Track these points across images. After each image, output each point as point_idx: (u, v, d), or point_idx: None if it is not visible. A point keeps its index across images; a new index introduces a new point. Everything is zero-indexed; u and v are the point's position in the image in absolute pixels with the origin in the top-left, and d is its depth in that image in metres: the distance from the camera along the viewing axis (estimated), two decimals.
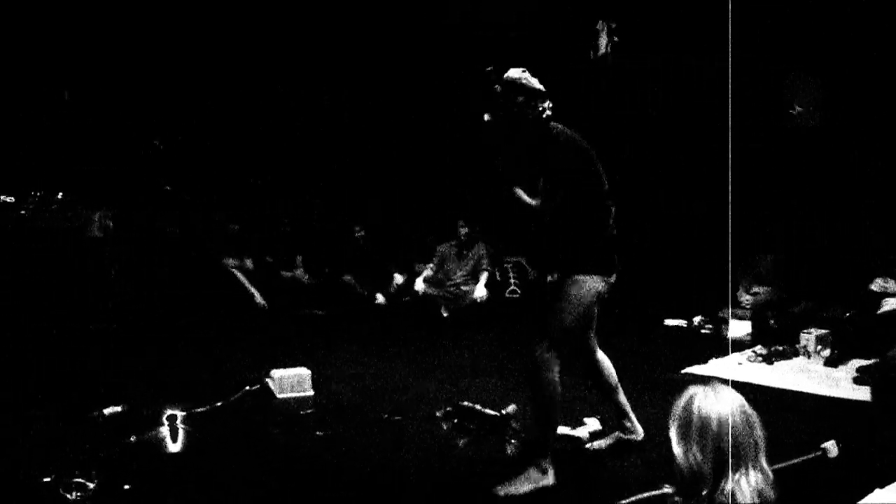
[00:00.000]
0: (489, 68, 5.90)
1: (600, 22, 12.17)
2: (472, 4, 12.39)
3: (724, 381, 3.50)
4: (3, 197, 10.37)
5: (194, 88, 12.97)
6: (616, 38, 12.09)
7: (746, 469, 3.23)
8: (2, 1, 11.92)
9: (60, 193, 10.64)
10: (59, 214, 10.39)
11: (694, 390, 3.36)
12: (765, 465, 3.29)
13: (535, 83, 5.87)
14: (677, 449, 3.29)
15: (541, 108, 5.84)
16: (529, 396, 5.97)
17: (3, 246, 9.93)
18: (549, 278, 6.01)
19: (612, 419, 6.76)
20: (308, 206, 13.94)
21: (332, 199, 14.11)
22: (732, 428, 3.23)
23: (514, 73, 5.88)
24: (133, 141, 12.53)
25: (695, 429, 3.25)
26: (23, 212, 10.21)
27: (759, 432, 3.30)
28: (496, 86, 5.85)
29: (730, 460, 3.22)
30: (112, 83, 12.66)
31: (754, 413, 3.35)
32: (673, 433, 3.32)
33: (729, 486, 3.21)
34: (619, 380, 6.56)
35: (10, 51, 12.10)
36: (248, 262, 12.22)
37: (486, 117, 5.90)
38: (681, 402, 3.36)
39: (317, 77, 13.69)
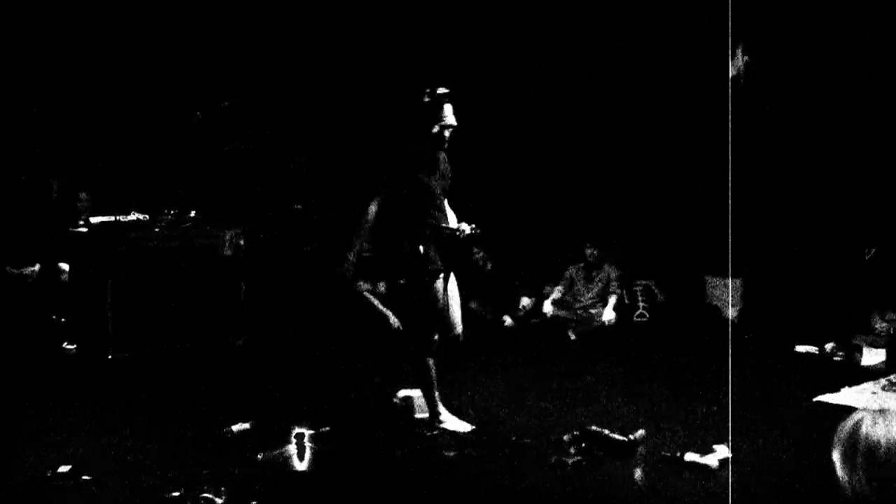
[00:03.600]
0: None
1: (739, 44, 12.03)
2: None
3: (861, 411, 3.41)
4: (137, 215, 10.55)
5: (331, 106, 13.05)
6: (748, 58, 11.93)
7: None
8: (133, 24, 12.21)
9: (193, 212, 10.80)
10: (192, 232, 10.54)
11: (861, 415, 3.27)
12: None
13: None
14: (841, 473, 3.21)
15: None
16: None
17: (136, 263, 10.10)
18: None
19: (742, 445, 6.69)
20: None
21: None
22: None
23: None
24: (269, 161, 12.66)
25: (861, 454, 3.16)
26: (156, 229, 10.38)
27: None
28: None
29: None
30: (246, 102, 12.83)
31: None
32: (836, 457, 3.23)
33: None
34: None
35: (143, 73, 12.36)
36: (381, 286, 12.23)
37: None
38: (846, 426, 3.27)
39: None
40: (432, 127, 7.02)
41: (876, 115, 11.06)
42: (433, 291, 7.08)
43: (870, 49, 10.90)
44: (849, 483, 3.20)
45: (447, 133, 7.07)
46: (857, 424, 3.25)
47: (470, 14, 12.92)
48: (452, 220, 7.26)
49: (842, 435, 3.28)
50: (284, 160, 12.77)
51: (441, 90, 7.03)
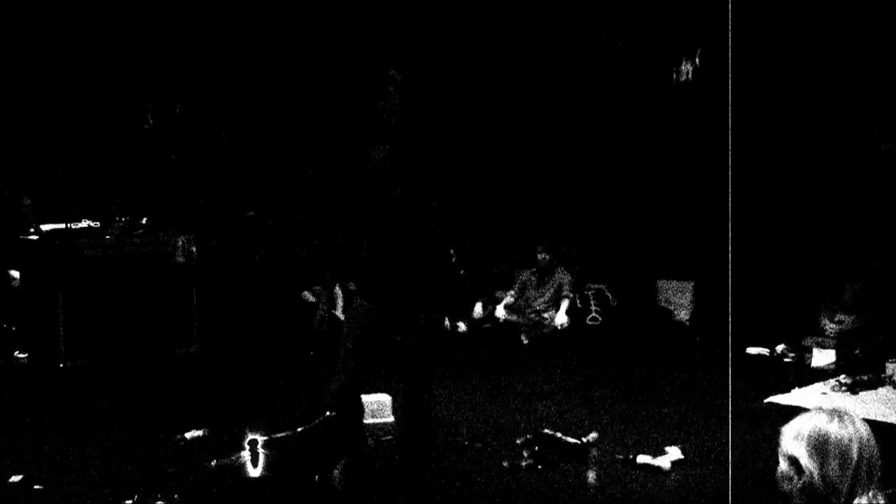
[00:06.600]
0: None
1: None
2: None
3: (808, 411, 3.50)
4: (88, 222, 10.48)
5: (280, 113, 12.99)
6: (697, 64, 12.01)
7: (874, 491, 3.31)
8: (85, 28, 12.08)
9: (145, 219, 10.74)
10: (143, 239, 10.48)
11: (821, 412, 3.43)
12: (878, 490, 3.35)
13: None
14: (810, 464, 3.32)
15: None
16: None
17: (88, 271, 10.03)
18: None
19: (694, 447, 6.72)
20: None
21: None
22: (870, 451, 3.35)
23: None
24: (216, 167, 12.59)
25: (833, 447, 3.31)
26: (108, 237, 10.31)
27: (879, 459, 3.38)
28: None
29: (865, 480, 3.30)
30: (194, 109, 12.77)
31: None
32: (801, 449, 3.34)
33: (865, 501, 3.29)
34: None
35: (95, 77, 12.25)
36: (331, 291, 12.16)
37: None
38: (809, 421, 3.40)
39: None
40: None
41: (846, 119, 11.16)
42: None
43: (869, 49, 10.95)
44: (819, 471, 3.32)
45: None
46: (824, 419, 3.39)
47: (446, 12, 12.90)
48: None
49: (804, 429, 3.40)
50: (238, 167, 12.72)
51: None
